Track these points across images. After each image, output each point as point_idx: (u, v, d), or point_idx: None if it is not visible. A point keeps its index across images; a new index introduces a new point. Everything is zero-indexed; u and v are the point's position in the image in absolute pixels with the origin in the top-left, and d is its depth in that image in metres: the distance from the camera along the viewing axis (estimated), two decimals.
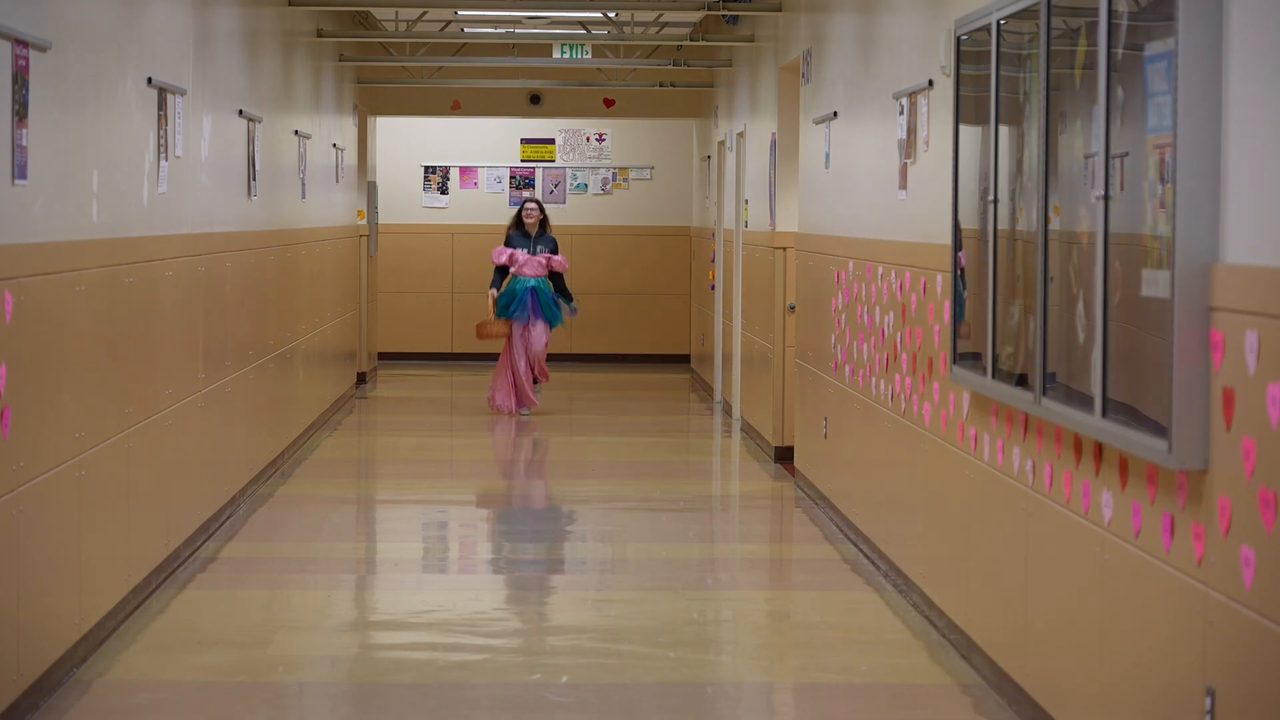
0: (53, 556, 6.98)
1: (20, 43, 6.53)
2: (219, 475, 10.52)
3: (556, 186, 22.30)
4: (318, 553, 10.15)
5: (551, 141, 22.34)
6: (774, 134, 13.92)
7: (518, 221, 16.68)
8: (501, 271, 16.61)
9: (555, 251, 16.67)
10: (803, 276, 12.39)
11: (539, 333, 16.53)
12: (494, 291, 16.60)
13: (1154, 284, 5.13)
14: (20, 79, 6.54)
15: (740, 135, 16.30)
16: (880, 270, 9.50)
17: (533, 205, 16.65)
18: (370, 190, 19.86)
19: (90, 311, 7.50)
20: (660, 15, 17.60)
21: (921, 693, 7.25)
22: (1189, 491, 5.03)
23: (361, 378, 19.22)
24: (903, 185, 9.01)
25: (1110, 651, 5.69)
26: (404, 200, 22.21)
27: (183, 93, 9.42)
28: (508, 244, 16.61)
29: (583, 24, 18.02)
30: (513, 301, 16.46)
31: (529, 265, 16.47)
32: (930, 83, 8.37)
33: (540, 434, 15.41)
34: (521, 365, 16.56)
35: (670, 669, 7.55)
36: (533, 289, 16.43)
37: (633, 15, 16.92)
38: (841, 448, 10.71)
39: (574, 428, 15.75)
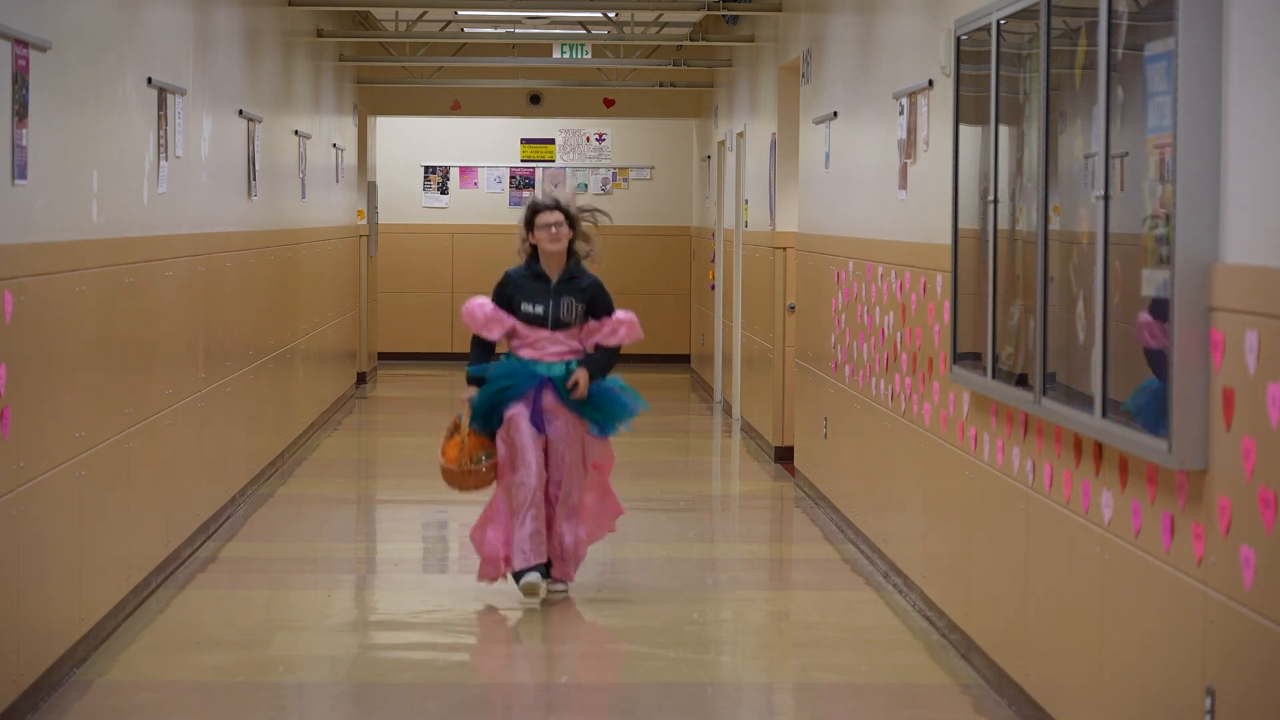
0: (53, 556, 6.98)
1: (20, 43, 6.53)
2: (219, 475, 10.52)
3: (556, 187, 22.32)
4: (318, 553, 10.15)
5: (551, 141, 22.34)
6: (774, 134, 13.93)
7: (527, 247, 8.67)
8: (484, 348, 8.67)
9: (603, 308, 8.63)
10: (803, 276, 12.39)
11: (563, 434, 8.57)
12: (472, 392, 8.60)
13: (1154, 284, 5.13)
14: (20, 79, 6.54)
15: (740, 135, 16.30)
16: (880, 270, 9.50)
17: (556, 217, 8.60)
18: (370, 190, 19.86)
19: (90, 311, 7.50)
20: (660, 15, 17.60)
21: (921, 693, 7.25)
22: (1189, 491, 5.03)
23: (361, 378, 19.22)
24: (903, 185, 9.01)
25: (1110, 651, 5.69)
26: (404, 200, 22.21)
27: (183, 93, 9.42)
28: (501, 298, 8.58)
29: (583, 24, 18.02)
30: (506, 392, 8.56)
31: (548, 346, 8.55)
32: (930, 83, 8.37)
33: None
34: (528, 501, 8.56)
35: (670, 669, 7.55)
36: (549, 380, 8.53)
37: (633, 15, 16.92)
38: (841, 448, 10.71)
39: None
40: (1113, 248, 5.50)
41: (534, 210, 8.54)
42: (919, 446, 8.50)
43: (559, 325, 8.47)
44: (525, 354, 8.48)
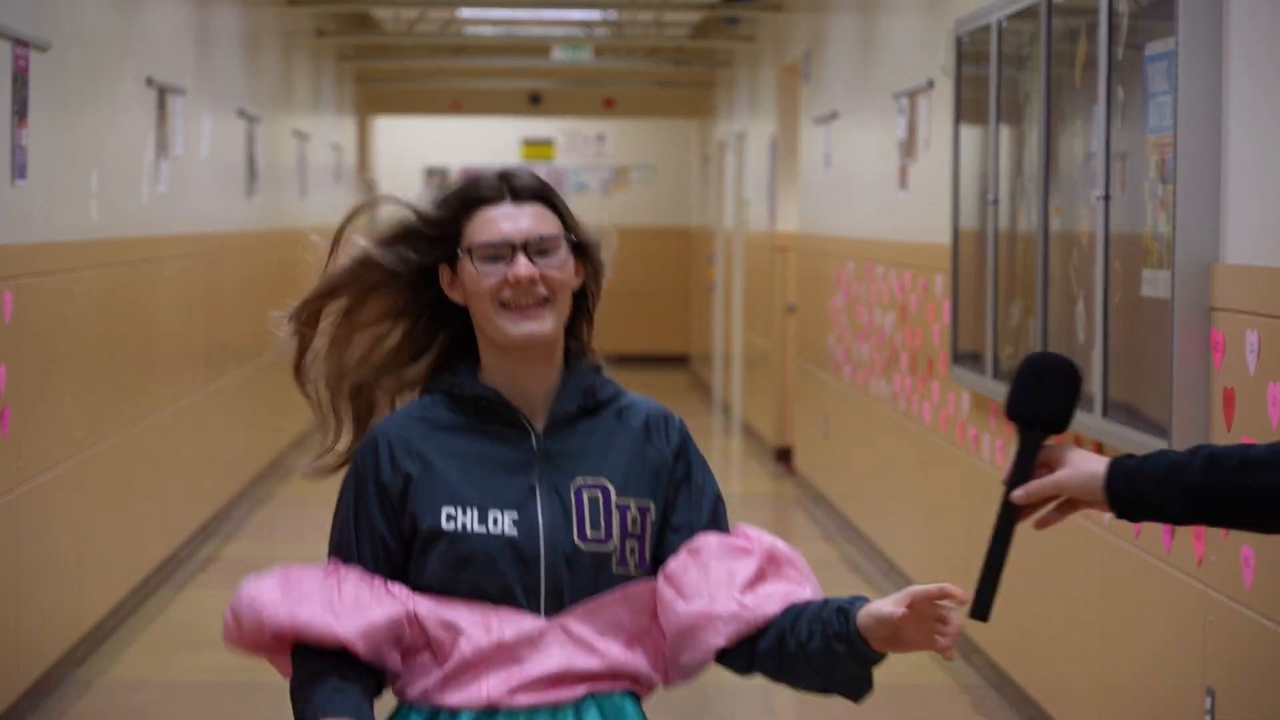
0: (53, 556, 6.98)
1: (20, 43, 6.53)
2: (219, 475, 10.52)
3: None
4: (318, 553, 10.12)
5: (551, 141, 22.35)
6: (774, 134, 13.92)
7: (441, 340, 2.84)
8: (325, 673, 2.83)
9: (700, 510, 2.87)
10: (803, 276, 12.39)
11: None
12: None
13: (1154, 284, 5.13)
14: (20, 79, 6.54)
15: (740, 136, 16.30)
16: (880, 270, 9.49)
17: (529, 226, 2.74)
18: (370, 190, 19.85)
19: (90, 311, 7.50)
20: (660, 15, 17.59)
21: (921, 693, 7.25)
22: None
23: None
24: (903, 185, 9.00)
25: (1111, 652, 5.69)
26: None
27: (183, 93, 9.41)
28: (361, 523, 2.82)
29: (583, 24, 18.01)
30: None
31: (536, 660, 2.71)
32: (930, 83, 8.37)
33: None
34: None
35: None
36: None
37: (634, 15, 16.91)
38: (841, 448, 10.70)
39: None
40: (1113, 248, 5.50)
41: (469, 197, 2.80)
42: (919, 446, 8.50)
43: (577, 588, 2.76)
44: (463, 697, 2.74)
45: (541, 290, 2.75)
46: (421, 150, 22.33)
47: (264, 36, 12.58)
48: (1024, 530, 7.04)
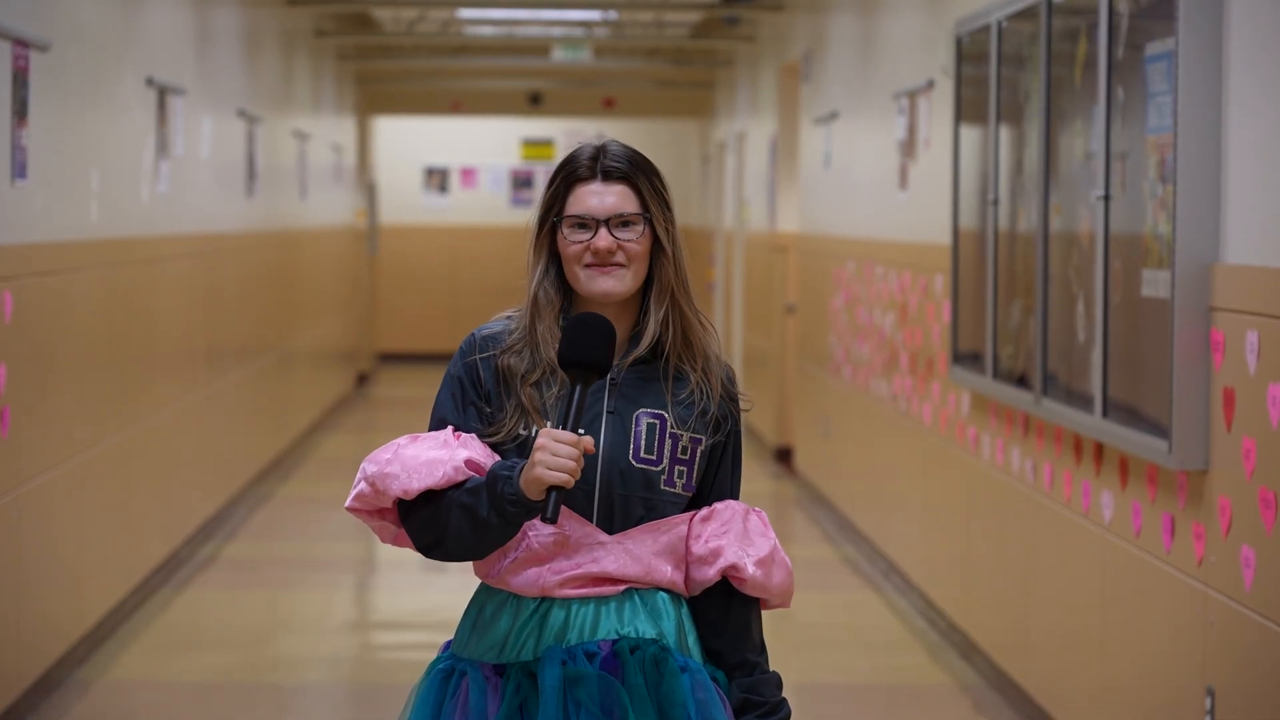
0: (53, 556, 6.98)
1: (20, 43, 6.53)
2: (219, 475, 10.52)
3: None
4: (318, 553, 10.15)
5: (551, 141, 22.34)
6: (774, 134, 13.92)
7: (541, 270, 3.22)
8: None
9: (725, 466, 3.26)
10: (803, 276, 12.39)
11: None
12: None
13: (1154, 284, 5.13)
14: (20, 79, 6.54)
15: (740, 136, 16.30)
16: (880, 270, 9.49)
17: (614, 201, 3.17)
18: (370, 190, 19.85)
19: (90, 311, 7.50)
20: (660, 16, 17.59)
21: (921, 693, 7.25)
22: (1189, 492, 5.03)
23: (362, 378, 19.21)
24: (903, 185, 9.00)
25: (1110, 652, 5.69)
26: (404, 200, 22.21)
27: (183, 93, 9.41)
28: (462, 408, 3.25)
29: (583, 24, 18.01)
30: None
31: (585, 559, 3.17)
32: (930, 83, 8.37)
33: None
34: None
35: None
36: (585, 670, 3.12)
37: (634, 15, 16.91)
38: (841, 448, 10.71)
39: None
40: (1113, 248, 5.50)
41: (570, 175, 3.23)
42: (919, 446, 8.50)
43: (628, 499, 3.19)
44: (523, 581, 3.19)
45: (618, 258, 3.19)
46: (421, 150, 22.33)
47: (264, 36, 12.58)
48: (1024, 532, 7.05)
